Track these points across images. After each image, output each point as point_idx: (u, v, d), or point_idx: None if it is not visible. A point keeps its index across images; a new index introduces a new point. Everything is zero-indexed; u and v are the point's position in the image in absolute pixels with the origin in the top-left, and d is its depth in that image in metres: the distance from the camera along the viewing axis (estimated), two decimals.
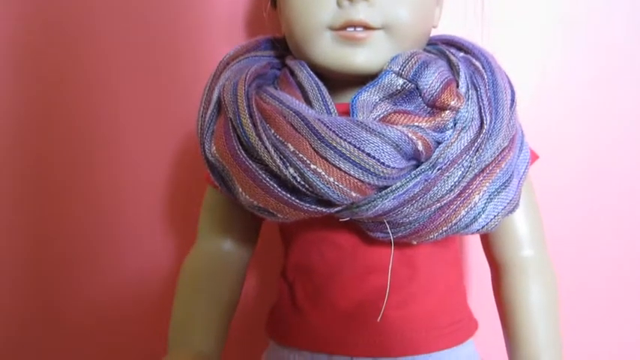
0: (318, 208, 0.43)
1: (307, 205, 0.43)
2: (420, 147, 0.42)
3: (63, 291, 0.72)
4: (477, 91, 0.45)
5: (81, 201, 0.71)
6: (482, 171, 0.43)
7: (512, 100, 0.46)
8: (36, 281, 0.72)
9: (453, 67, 0.47)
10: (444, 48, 0.49)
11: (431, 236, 0.45)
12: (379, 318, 0.47)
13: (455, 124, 0.44)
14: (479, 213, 0.43)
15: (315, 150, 0.41)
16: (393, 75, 0.45)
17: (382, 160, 0.40)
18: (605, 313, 0.68)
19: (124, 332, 0.71)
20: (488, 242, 0.51)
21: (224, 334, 0.50)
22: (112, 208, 0.70)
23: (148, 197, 0.70)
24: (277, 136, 0.42)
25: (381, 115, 0.44)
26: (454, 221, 0.43)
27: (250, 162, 0.43)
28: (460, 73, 0.45)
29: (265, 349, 0.54)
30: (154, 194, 0.70)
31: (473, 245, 0.66)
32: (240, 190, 0.44)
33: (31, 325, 0.72)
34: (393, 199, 0.42)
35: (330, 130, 0.41)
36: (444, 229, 0.44)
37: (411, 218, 0.43)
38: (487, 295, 0.52)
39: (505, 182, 0.44)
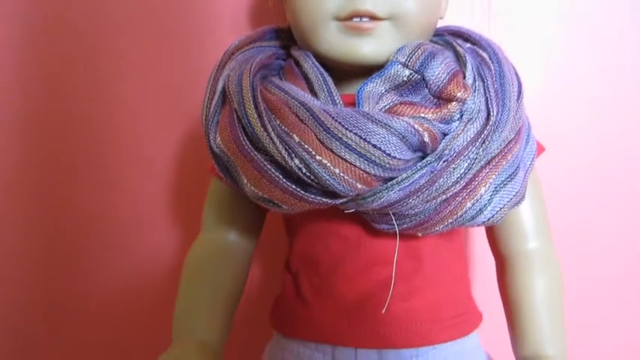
0: (323, 200, 0.43)
1: (312, 196, 0.42)
2: (426, 138, 0.41)
3: (69, 281, 0.72)
4: (483, 82, 0.44)
5: (88, 192, 0.71)
6: (489, 163, 0.43)
7: (519, 92, 0.46)
8: (43, 271, 0.72)
9: (459, 58, 0.46)
10: (451, 39, 0.49)
11: (436, 228, 0.44)
12: (384, 310, 0.47)
13: (461, 116, 0.43)
14: (485, 205, 0.43)
15: (320, 141, 0.41)
16: (399, 66, 0.44)
17: (388, 152, 0.40)
18: (609, 305, 0.68)
19: (130, 322, 0.71)
20: (493, 235, 0.51)
21: (228, 324, 0.50)
22: (119, 199, 0.70)
23: (153, 188, 0.70)
24: (282, 127, 0.42)
25: (387, 107, 0.43)
26: (460, 213, 0.43)
27: (255, 153, 0.43)
28: (467, 65, 0.45)
29: (269, 340, 0.54)
30: (159, 185, 0.70)
31: (478, 237, 0.66)
32: (245, 181, 0.44)
33: (37, 314, 0.72)
34: (399, 190, 0.42)
35: (336, 121, 0.41)
36: (450, 221, 0.44)
37: (416, 210, 0.43)
38: (492, 287, 0.52)
39: (511, 174, 0.44)
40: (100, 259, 0.71)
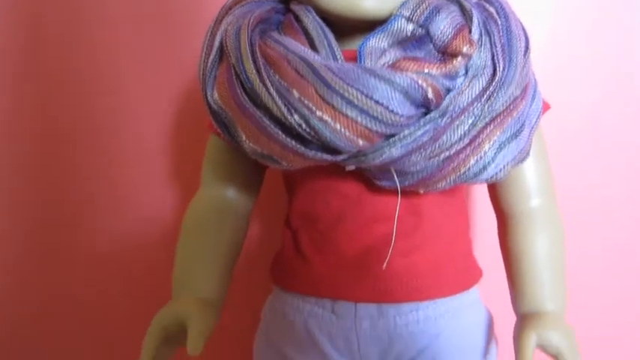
0: (324, 156, 0.42)
1: (312, 152, 0.42)
2: (430, 94, 0.40)
3: (65, 240, 0.72)
4: (490, 37, 0.43)
5: (85, 153, 0.70)
6: (494, 120, 0.42)
7: (527, 48, 0.44)
8: (38, 229, 0.72)
9: (465, 13, 0.45)
10: None
11: (439, 185, 0.44)
12: (384, 265, 0.47)
13: (467, 72, 0.42)
14: (488, 162, 0.43)
15: (321, 97, 0.40)
16: (403, 20, 0.43)
17: (391, 108, 0.39)
18: (610, 264, 0.68)
19: (127, 281, 0.71)
20: (496, 192, 0.51)
21: (227, 279, 0.50)
22: (116, 157, 0.70)
23: (150, 146, 0.70)
24: (282, 82, 0.41)
25: (390, 62, 0.42)
26: (463, 170, 0.43)
27: (254, 109, 0.42)
28: (473, 19, 0.44)
29: (269, 295, 0.54)
30: (156, 142, 0.70)
31: (479, 194, 0.65)
32: (244, 137, 0.44)
33: (31, 274, 0.73)
34: (401, 147, 0.41)
35: (337, 76, 0.40)
36: (452, 177, 0.43)
37: (418, 167, 0.43)
38: (492, 243, 0.52)
39: (516, 132, 0.43)
40: (99, 219, 0.71)
